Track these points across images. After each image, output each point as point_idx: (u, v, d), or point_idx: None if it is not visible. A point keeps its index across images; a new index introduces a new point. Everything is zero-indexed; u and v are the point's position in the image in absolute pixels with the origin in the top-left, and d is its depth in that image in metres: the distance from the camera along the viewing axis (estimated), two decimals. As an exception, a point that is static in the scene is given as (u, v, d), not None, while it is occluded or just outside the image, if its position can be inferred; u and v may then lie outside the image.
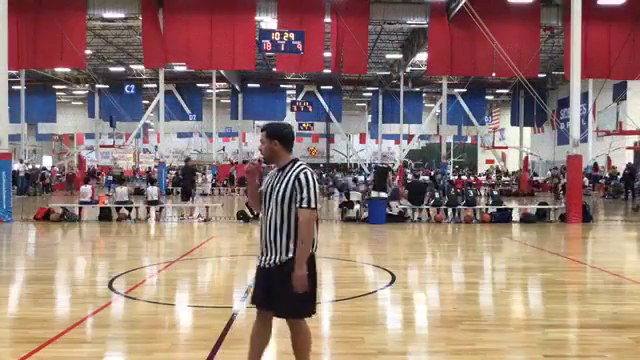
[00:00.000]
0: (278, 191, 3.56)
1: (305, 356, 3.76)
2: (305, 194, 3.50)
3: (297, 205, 3.50)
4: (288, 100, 41.79)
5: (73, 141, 52.20)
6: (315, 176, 3.62)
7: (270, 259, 3.57)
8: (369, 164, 46.48)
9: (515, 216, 15.96)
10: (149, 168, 34.80)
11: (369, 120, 50.09)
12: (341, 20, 22.85)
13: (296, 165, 3.62)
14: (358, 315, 5.86)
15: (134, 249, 11.23)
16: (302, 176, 3.54)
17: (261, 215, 3.71)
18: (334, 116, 41.59)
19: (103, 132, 42.55)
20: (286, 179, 3.57)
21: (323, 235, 13.27)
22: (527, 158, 33.49)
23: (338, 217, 16.19)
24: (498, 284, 7.86)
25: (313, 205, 3.50)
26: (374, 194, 15.55)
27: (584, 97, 23.80)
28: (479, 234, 13.40)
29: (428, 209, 16.08)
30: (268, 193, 3.64)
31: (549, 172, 35.81)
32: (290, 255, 3.52)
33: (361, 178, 40.93)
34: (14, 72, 27.84)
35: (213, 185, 30.63)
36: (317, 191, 3.57)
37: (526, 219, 15.50)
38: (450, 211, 15.85)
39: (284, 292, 3.51)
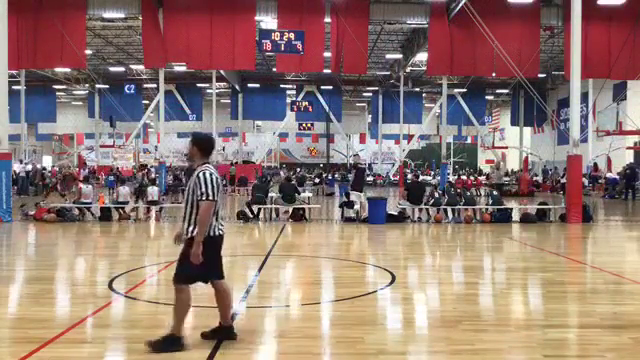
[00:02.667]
0: (189, 186, 4.64)
1: (175, 317, 4.70)
2: (203, 189, 4.49)
3: (197, 198, 4.52)
4: (288, 100, 41.82)
5: (73, 141, 52.23)
6: (214, 175, 4.57)
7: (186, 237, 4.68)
8: (349, 163, 46.50)
9: (515, 216, 15.97)
10: (145, 167, 34.65)
11: (369, 120, 50.12)
12: (341, 20, 22.85)
13: (201, 166, 4.63)
14: (358, 315, 5.86)
15: (134, 249, 11.23)
16: (200, 175, 4.53)
17: None
18: (334, 116, 41.62)
19: (103, 132, 42.57)
20: (193, 177, 4.61)
21: (323, 235, 13.28)
22: (527, 158, 33.49)
23: (338, 217, 16.18)
24: (498, 284, 7.86)
25: (211, 197, 4.49)
26: (353, 194, 15.65)
27: (584, 97, 23.79)
28: (479, 234, 13.39)
29: (428, 209, 16.08)
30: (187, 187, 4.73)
31: (549, 172, 35.83)
32: (189, 236, 4.60)
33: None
34: (14, 72, 27.85)
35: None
36: (214, 185, 4.52)
37: (526, 219, 15.50)
38: (450, 211, 15.85)
39: (177, 261, 4.78)
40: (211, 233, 4.61)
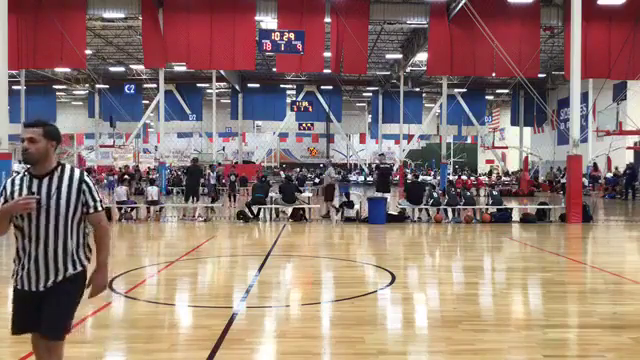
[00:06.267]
0: (58, 200, 3.14)
1: None
2: (97, 196, 3.28)
3: (91, 210, 3.24)
4: (288, 100, 41.85)
5: (73, 141, 52.24)
6: None
7: (49, 280, 3.18)
8: (369, 164, 46.61)
9: (515, 216, 15.96)
10: (136, 167, 34.32)
11: (369, 120, 50.13)
12: (341, 20, 22.86)
13: (69, 168, 3.26)
14: (358, 315, 5.86)
15: (134, 249, 11.22)
16: (87, 179, 3.26)
17: (25, 234, 3.15)
18: (334, 116, 41.63)
19: (103, 132, 42.61)
20: (66, 184, 3.18)
21: (323, 235, 13.27)
22: (527, 158, 33.50)
23: (338, 217, 16.18)
24: (498, 284, 7.86)
25: (103, 206, 3.35)
26: (377, 195, 15.63)
27: (584, 97, 23.80)
28: (479, 234, 13.39)
29: (428, 209, 16.07)
30: (38, 206, 3.11)
31: (548, 172, 35.90)
32: (81, 267, 3.26)
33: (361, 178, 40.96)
34: (14, 72, 27.84)
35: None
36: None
37: (526, 219, 15.50)
38: (450, 211, 15.85)
39: (59, 311, 3.22)
40: (85, 262, 3.32)
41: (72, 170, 3.24)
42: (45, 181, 3.16)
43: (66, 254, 3.19)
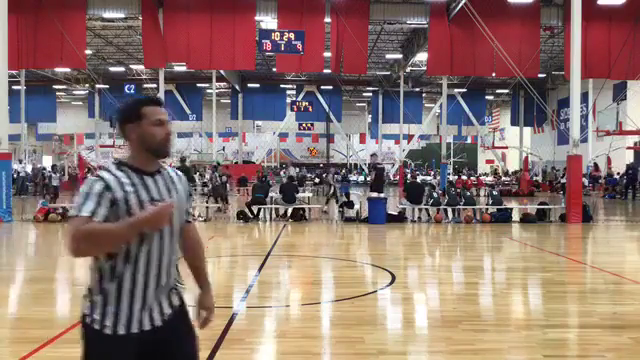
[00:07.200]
0: (179, 204, 2.35)
1: None
2: (191, 202, 2.53)
3: (185, 217, 2.44)
4: (288, 100, 41.85)
5: (73, 141, 52.25)
6: None
7: (163, 306, 2.32)
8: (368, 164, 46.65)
9: (515, 216, 15.97)
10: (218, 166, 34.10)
11: (369, 120, 50.13)
12: (341, 20, 22.85)
13: (161, 164, 2.39)
14: (358, 315, 5.85)
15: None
16: (184, 178, 2.46)
17: (142, 253, 2.21)
18: (334, 116, 41.63)
19: (103, 132, 42.61)
20: (179, 184, 2.38)
21: (323, 235, 13.27)
22: (527, 158, 33.50)
23: (338, 217, 16.18)
24: (498, 284, 7.86)
25: None
26: (374, 195, 15.63)
27: (584, 97, 23.80)
28: (479, 234, 13.39)
29: (427, 209, 16.08)
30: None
31: (549, 171, 35.93)
32: (182, 289, 2.44)
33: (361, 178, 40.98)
34: (14, 72, 27.85)
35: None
36: None
37: (526, 219, 15.50)
38: (450, 211, 15.85)
39: (185, 348, 2.40)
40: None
41: (166, 166, 2.42)
42: (159, 179, 2.30)
43: (174, 273, 2.38)
